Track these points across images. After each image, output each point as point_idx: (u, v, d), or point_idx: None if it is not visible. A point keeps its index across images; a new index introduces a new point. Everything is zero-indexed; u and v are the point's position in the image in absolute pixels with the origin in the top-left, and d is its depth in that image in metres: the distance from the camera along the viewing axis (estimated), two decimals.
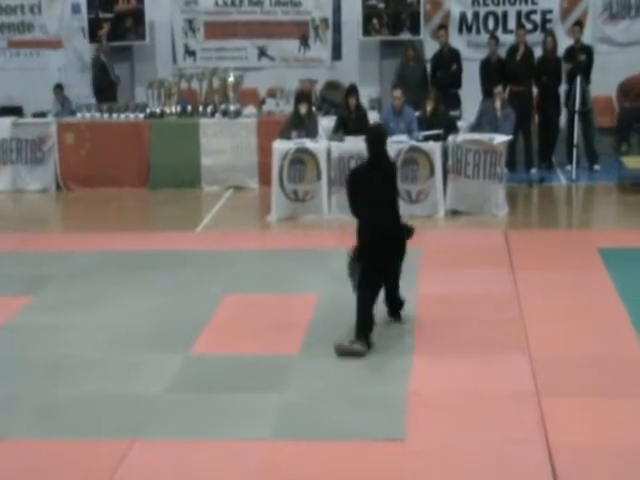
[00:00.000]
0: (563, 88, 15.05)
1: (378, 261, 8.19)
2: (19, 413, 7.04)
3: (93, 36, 16.98)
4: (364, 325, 8.03)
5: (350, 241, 11.42)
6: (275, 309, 9.12)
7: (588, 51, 15.09)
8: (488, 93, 14.16)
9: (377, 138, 8.50)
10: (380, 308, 8.44)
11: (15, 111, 15.87)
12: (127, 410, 7.04)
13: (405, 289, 9.30)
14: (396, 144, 12.64)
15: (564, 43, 15.33)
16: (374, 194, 8.23)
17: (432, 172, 12.58)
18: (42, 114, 15.31)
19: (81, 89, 17.02)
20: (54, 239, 12.27)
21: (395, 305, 8.66)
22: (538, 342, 8.09)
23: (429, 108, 13.28)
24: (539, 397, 7.04)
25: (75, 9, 17.19)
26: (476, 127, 13.42)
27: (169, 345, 8.28)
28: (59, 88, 15.75)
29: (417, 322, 8.65)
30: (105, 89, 15.80)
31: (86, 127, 14.78)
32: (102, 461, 6.33)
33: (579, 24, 15.40)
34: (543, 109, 15.02)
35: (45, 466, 6.35)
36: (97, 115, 14.97)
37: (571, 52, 15.06)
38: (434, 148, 12.61)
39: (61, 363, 7.94)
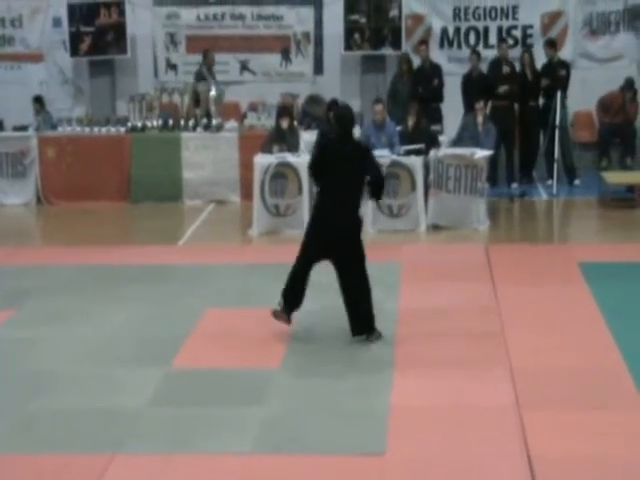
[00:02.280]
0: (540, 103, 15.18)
1: (319, 244, 8.38)
2: None
3: (74, 50, 16.96)
4: (286, 292, 8.47)
5: None
6: (256, 323, 9.09)
7: (566, 66, 15.20)
8: (470, 108, 14.23)
9: (343, 118, 8.51)
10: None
11: None
12: (107, 424, 7.00)
13: (386, 303, 9.36)
14: (377, 158, 12.66)
15: (544, 58, 15.42)
16: (342, 168, 8.26)
17: (413, 186, 12.61)
18: (23, 128, 15.25)
19: (62, 103, 17.01)
20: (35, 253, 12.22)
21: (359, 318, 8.49)
22: (519, 355, 8.11)
23: (411, 123, 13.34)
24: (520, 410, 7.05)
25: (56, 23, 17.16)
26: (457, 142, 13.49)
27: (150, 359, 8.26)
28: (38, 100, 15.68)
29: (398, 335, 8.66)
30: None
31: (67, 141, 14.75)
32: (81, 476, 6.29)
33: (550, 43, 15.48)
34: (523, 124, 15.09)
35: None
36: (78, 129, 14.96)
37: (548, 67, 15.17)
38: (415, 163, 12.65)
39: (41, 377, 7.90)
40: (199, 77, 15.45)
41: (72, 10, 16.87)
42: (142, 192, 14.51)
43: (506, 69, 15.13)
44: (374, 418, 7.00)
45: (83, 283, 10.48)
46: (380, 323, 8.93)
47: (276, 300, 8.93)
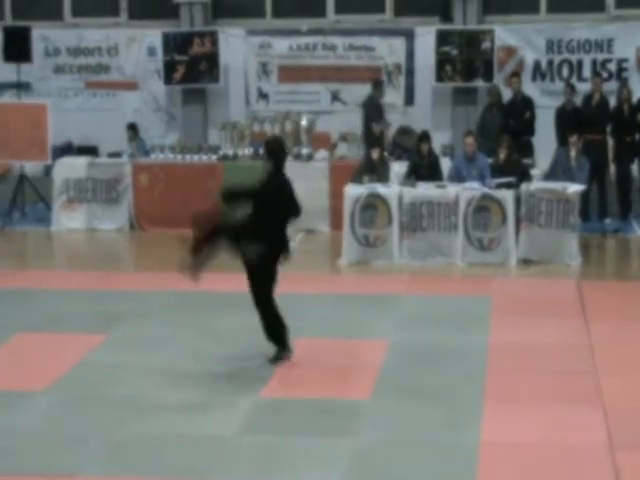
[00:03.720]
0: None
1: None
2: (90, 450, 7.07)
3: (168, 78, 17.24)
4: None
5: (421, 287, 11.47)
6: (345, 353, 9.11)
7: None
8: (563, 141, 14.10)
9: (278, 149, 8.82)
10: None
11: (91, 151, 16.13)
12: (196, 451, 7.04)
13: (476, 337, 9.31)
14: (468, 191, 12.63)
15: (638, 93, 15.23)
16: (280, 200, 8.70)
17: (504, 220, 12.51)
18: (117, 154, 15.53)
19: (155, 130, 17.29)
20: (127, 278, 12.40)
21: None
22: (612, 394, 7.96)
23: (502, 155, 13.27)
24: (613, 451, 6.90)
25: (151, 52, 17.49)
26: (550, 176, 13.36)
27: (239, 387, 8.29)
28: (132, 127, 15.96)
29: (488, 370, 8.57)
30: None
31: (160, 168, 14.96)
32: None
33: None
34: (618, 159, 14.90)
35: None
36: (170, 156, 15.16)
37: None
38: (506, 196, 12.55)
39: (130, 402, 7.98)
40: (368, 105, 15.55)
41: (167, 39, 17.17)
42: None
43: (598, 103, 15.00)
44: (464, 453, 6.92)
45: (174, 309, 10.59)
46: (470, 357, 8.90)
47: (366, 331, 8.95)
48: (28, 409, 7.85)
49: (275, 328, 8.84)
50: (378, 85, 15.80)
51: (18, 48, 15.94)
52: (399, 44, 16.89)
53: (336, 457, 6.90)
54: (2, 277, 12.09)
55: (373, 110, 15.42)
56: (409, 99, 16.92)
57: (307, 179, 14.51)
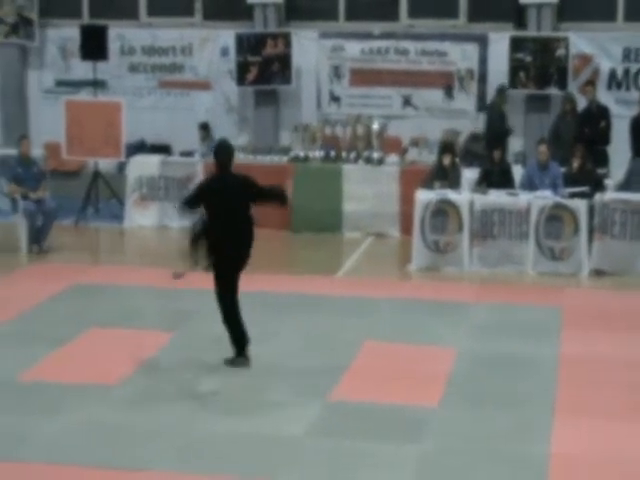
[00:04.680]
0: None
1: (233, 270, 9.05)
2: (162, 446, 7.17)
3: (241, 79, 17.33)
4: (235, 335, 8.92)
5: (491, 295, 11.40)
6: (414, 359, 9.09)
7: None
8: (638, 152, 13.92)
9: (222, 150, 9.19)
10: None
11: (164, 149, 16.28)
12: (264, 450, 7.10)
13: (546, 348, 9.25)
14: (540, 199, 12.53)
15: None
16: (227, 203, 8.91)
17: (577, 230, 12.38)
18: (189, 153, 15.65)
19: (227, 130, 17.37)
20: (197, 277, 12.44)
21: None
22: None
23: (576, 164, 13.15)
24: None
25: (224, 52, 17.57)
26: (624, 186, 13.18)
27: (308, 389, 8.33)
28: (204, 127, 16.08)
29: (558, 381, 8.51)
30: (498, 137, 15.12)
31: None
32: None
33: None
34: None
35: None
36: (242, 157, 15.19)
37: None
38: (580, 205, 12.43)
39: (200, 399, 8.07)
40: (491, 110, 15.73)
41: (240, 40, 17.24)
42: (303, 222, 14.63)
43: None
44: (534, 464, 6.89)
45: (242, 309, 10.62)
46: (541, 368, 8.84)
47: (434, 338, 8.89)
48: (102, 403, 7.97)
49: (233, 332, 8.90)
50: (501, 91, 15.87)
51: (95, 46, 16.14)
52: (472, 50, 16.79)
53: (402, 464, 6.91)
54: (76, 272, 12.26)
55: (495, 115, 15.50)
56: (481, 105, 16.80)
57: (377, 183, 14.55)
